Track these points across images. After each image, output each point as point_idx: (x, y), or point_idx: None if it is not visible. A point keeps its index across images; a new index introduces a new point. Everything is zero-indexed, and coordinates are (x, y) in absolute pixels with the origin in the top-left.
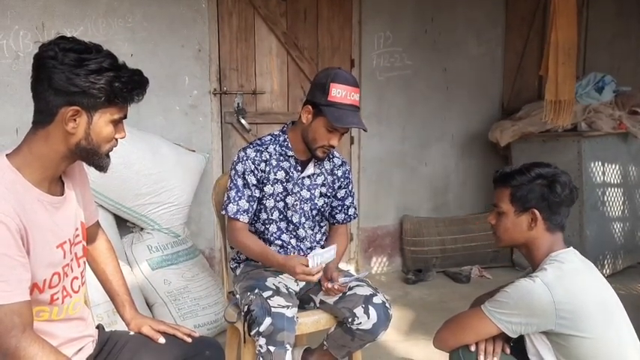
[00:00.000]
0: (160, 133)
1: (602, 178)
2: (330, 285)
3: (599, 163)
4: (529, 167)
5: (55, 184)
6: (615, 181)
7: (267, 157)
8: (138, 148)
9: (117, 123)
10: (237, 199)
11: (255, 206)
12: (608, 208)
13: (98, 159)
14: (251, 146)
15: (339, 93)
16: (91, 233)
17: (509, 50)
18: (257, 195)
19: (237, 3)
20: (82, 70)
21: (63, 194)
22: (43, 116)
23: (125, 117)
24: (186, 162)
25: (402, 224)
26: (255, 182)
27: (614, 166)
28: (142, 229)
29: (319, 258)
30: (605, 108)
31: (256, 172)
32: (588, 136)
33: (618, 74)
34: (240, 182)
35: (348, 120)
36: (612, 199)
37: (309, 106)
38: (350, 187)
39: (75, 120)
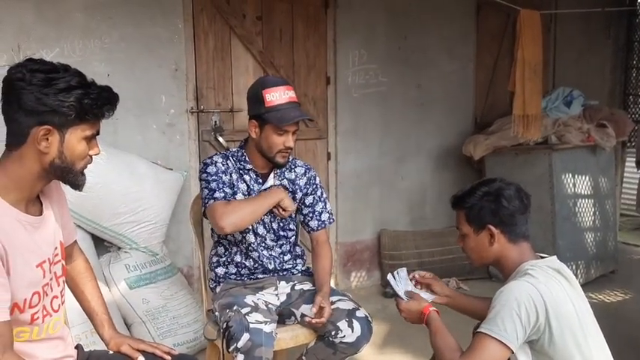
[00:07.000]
0: (137, 151)
1: (572, 190)
2: (314, 320)
3: (570, 175)
4: (477, 186)
5: (33, 204)
6: (586, 192)
7: (231, 167)
8: (115, 167)
9: (90, 140)
10: (221, 186)
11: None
12: (580, 219)
13: (73, 177)
14: (216, 155)
15: (274, 96)
16: (69, 253)
17: (480, 66)
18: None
19: (213, 23)
20: (50, 89)
21: (41, 214)
22: (16, 138)
23: (98, 133)
24: (163, 180)
25: (380, 238)
26: (227, 182)
27: (584, 177)
28: (119, 248)
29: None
30: (573, 121)
31: (226, 175)
32: (558, 149)
33: (586, 89)
34: (217, 178)
35: (290, 116)
36: (583, 209)
37: (253, 121)
38: (319, 193)
39: (47, 139)
